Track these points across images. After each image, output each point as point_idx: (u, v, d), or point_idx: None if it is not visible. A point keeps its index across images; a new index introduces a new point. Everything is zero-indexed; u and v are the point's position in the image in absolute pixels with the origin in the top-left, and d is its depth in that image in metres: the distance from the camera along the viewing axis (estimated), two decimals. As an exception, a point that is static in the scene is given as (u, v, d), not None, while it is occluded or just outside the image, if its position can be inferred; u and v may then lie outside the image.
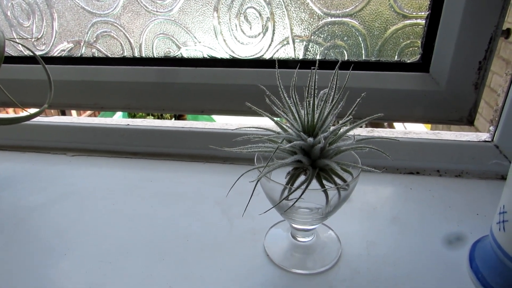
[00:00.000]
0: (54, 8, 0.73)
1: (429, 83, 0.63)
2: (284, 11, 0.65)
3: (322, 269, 0.44)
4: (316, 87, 0.39)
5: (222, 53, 0.71)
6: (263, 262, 0.46)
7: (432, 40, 0.61)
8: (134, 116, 2.89)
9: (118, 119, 0.81)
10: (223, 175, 0.65)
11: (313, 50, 0.67)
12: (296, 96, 0.39)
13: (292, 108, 0.39)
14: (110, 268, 0.46)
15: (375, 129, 0.74)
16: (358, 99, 0.40)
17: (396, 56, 0.65)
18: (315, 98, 0.38)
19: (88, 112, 3.25)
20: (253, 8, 0.66)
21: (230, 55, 0.71)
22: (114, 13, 0.71)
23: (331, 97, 0.39)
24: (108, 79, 0.74)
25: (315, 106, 0.39)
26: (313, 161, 0.39)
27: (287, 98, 0.39)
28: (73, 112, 3.01)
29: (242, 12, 0.66)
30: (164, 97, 0.73)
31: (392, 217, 0.53)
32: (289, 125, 0.40)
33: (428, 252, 0.47)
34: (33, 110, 0.59)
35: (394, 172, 0.64)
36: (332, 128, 0.39)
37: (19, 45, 0.77)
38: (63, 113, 2.85)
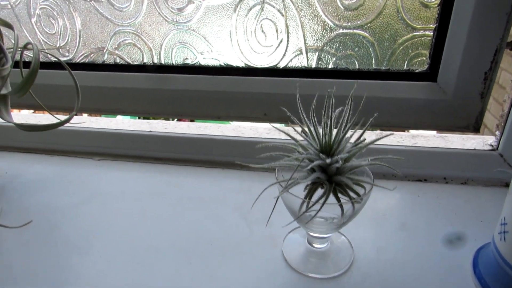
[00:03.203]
0: (78, 18, 0.76)
1: (436, 92, 0.65)
2: (298, 23, 0.68)
3: (336, 274, 0.48)
4: (332, 108, 0.42)
5: (238, 62, 0.74)
6: (281, 266, 0.50)
7: (440, 51, 0.64)
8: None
9: (139, 121, 0.84)
10: (241, 181, 0.68)
11: (325, 60, 0.70)
12: (315, 118, 0.43)
13: (311, 128, 0.43)
14: (140, 268, 0.50)
15: (383, 132, 0.77)
16: (371, 119, 0.44)
17: (405, 66, 0.68)
18: (332, 119, 0.42)
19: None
20: (269, 19, 0.69)
21: (246, 64, 0.74)
22: (136, 22, 0.75)
23: (347, 118, 0.42)
24: (128, 85, 0.77)
25: (332, 126, 0.42)
26: (330, 176, 0.43)
27: (306, 120, 0.43)
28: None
29: (258, 23, 0.69)
30: (181, 103, 0.76)
31: (401, 224, 0.57)
32: (307, 144, 0.44)
33: (434, 256, 0.50)
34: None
35: (403, 180, 0.67)
36: (347, 148, 0.42)
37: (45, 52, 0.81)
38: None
